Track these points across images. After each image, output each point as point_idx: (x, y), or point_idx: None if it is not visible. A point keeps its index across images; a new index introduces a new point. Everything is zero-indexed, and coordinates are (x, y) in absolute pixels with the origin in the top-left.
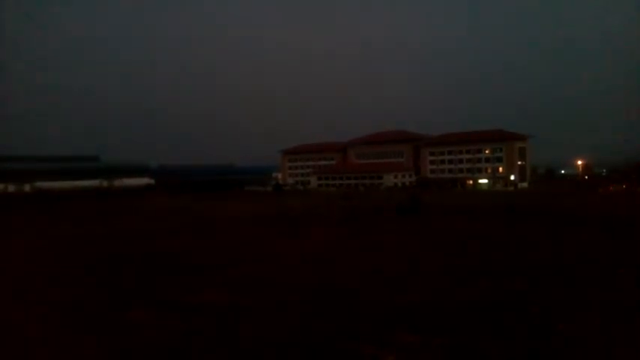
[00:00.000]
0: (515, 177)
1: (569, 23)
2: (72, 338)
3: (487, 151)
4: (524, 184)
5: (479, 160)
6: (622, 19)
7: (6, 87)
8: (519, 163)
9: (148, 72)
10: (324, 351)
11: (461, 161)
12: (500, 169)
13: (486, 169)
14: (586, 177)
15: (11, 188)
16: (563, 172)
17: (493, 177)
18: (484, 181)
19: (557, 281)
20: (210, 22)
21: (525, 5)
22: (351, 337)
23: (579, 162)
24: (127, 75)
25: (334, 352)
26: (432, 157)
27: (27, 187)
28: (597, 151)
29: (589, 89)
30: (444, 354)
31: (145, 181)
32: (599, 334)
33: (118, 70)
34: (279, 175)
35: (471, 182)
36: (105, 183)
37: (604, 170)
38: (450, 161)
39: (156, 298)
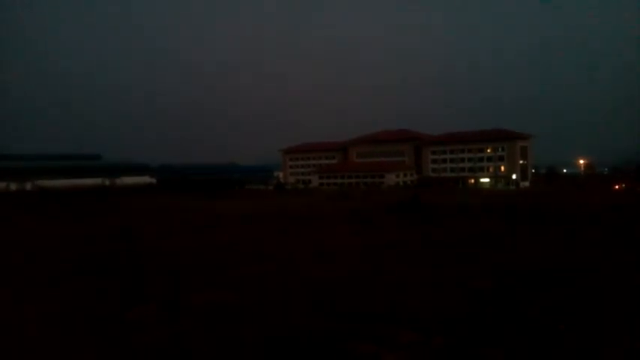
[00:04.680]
0: (517, 176)
1: (571, 23)
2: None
3: (489, 150)
4: (526, 183)
5: (481, 159)
6: (623, 18)
7: (8, 85)
8: (521, 162)
9: (150, 70)
10: None
11: (462, 160)
12: (502, 168)
13: (488, 168)
14: (588, 176)
15: (13, 186)
16: (565, 171)
17: (495, 176)
18: (486, 180)
19: None
20: (212, 21)
21: (527, 4)
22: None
23: (581, 161)
24: (129, 73)
25: None
26: (433, 156)
27: (28, 186)
28: (599, 151)
29: (590, 89)
30: None
31: (146, 179)
32: None
33: (121, 68)
34: (281, 174)
35: (472, 181)
36: (106, 181)
37: (606, 169)
38: (452, 160)
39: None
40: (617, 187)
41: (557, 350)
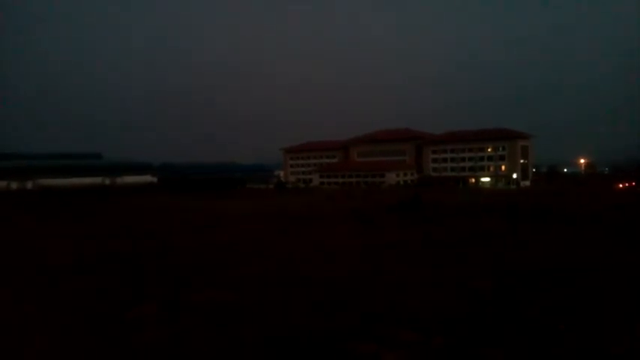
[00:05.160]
0: (517, 175)
1: (571, 22)
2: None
3: (490, 150)
4: (527, 183)
5: (481, 159)
6: (623, 18)
7: (9, 85)
8: (522, 161)
9: (151, 70)
10: None
11: (463, 159)
12: (503, 167)
13: (489, 168)
14: (589, 175)
15: (14, 185)
16: (565, 170)
17: (496, 175)
18: (486, 179)
19: None
20: (211, 21)
21: (526, 4)
22: None
23: (582, 160)
24: (130, 73)
25: None
26: (434, 156)
27: (30, 185)
28: (599, 150)
29: (591, 89)
30: None
31: (147, 179)
32: None
33: (121, 68)
34: (282, 173)
35: (473, 180)
36: (107, 181)
37: (606, 168)
38: (453, 159)
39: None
40: (621, 185)
41: (557, 350)
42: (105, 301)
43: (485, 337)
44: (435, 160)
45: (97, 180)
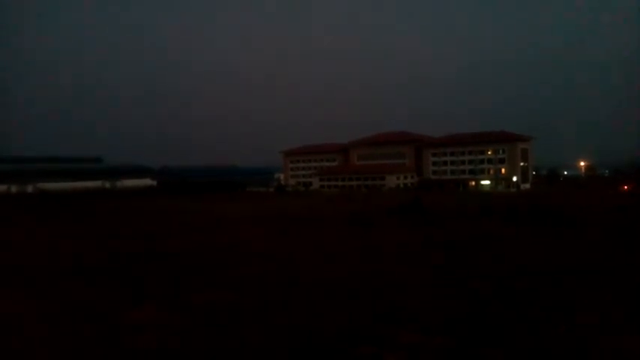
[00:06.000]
0: (517, 178)
1: (571, 23)
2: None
3: (489, 152)
4: (527, 185)
5: (481, 162)
6: (623, 19)
7: (9, 88)
8: (522, 164)
9: (150, 73)
10: None
11: (463, 162)
12: (503, 170)
13: (489, 170)
14: (589, 177)
15: (14, 189)
16: (565, 173)
17: (495, 178)
18: (486, 182)
19: None
20: (211, 22)
21: (526, 6)
22: None
23: (582, 163)
24: (130, 76)
25: None
26: (434, 159)
27: (30, 188)
28: (600, 152)
29: (591, 90)
30: None
31: (147, 182)
32: None
33: (121, 71)
34: (282, 176)
35: (473, 183)
36: (107, 184)
37: (606, 171)
38: (452, 162)
39: None
40: (625, 187)
41: (557, 350)
42: (105, 301)
43: (485, 337)
44: (435, 163)
45: (98, 183)
